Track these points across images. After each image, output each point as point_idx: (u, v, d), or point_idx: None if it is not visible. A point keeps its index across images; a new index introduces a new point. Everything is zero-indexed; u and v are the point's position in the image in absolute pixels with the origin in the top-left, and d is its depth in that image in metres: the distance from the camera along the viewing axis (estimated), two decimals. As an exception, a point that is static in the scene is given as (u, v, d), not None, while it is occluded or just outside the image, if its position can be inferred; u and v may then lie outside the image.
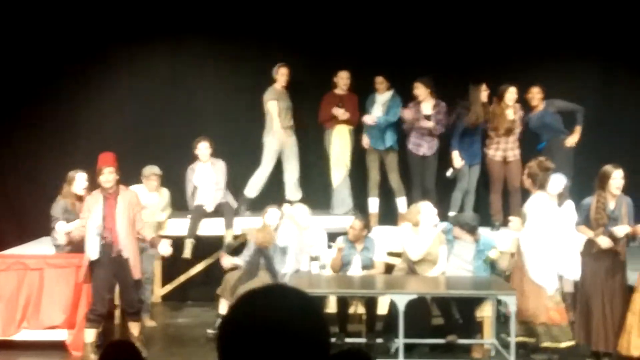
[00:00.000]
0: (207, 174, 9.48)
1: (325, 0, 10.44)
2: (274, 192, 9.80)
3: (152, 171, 8.98)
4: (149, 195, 8.93)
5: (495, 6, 10.22)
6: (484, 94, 9.32)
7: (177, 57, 10.69)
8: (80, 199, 8.42)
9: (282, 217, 8.53)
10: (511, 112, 9.38)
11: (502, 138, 9.39)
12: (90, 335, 7.66)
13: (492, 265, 8.06)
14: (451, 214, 9.18)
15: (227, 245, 9.17)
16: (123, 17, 10.44)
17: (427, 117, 9.48)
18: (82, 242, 8.31)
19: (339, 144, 9.74)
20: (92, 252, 7.56)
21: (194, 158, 9.54)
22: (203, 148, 9.45)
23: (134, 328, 7.91)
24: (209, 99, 10.59)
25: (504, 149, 9.43)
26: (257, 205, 9.42)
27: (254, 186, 9.83)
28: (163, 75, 10.67)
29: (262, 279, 8.08)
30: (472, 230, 8.02)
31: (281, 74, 9.83)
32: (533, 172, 7.68)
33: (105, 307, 7.69)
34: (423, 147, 9.57)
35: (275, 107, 9.75)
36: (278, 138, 9.74)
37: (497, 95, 9.40)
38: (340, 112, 9.64)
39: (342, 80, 9.81)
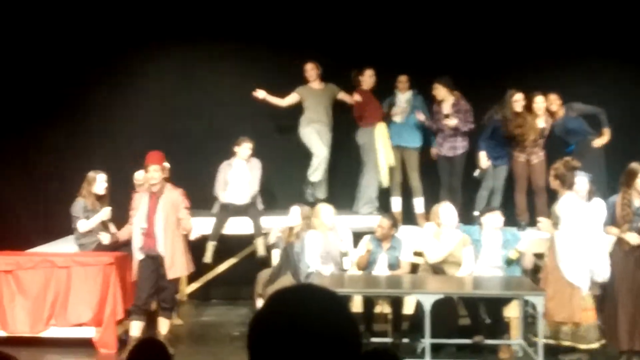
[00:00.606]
0: (242, 172, 9.47)
1: (340, 1, 10.41)
2: (295, 190, 9.78)
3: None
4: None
5: (518, 8, 10.13)
6: (516, 104, 9.24)
7: (193, 59, 10.71)
8: (100, 198, 8.54)
9: (306, 216, 8.50)
10: (541, 120, 9.31)
11: (530, 143, 9.34)
12: (136, 328, 7.81)
13: (509, 263, 7.99)
14: (476, 213, 9.13)
15: (259, 257, 9.14)
16: (141, 21, 10.51)
17: (447, 116, 9.45)
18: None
19: (383, 141, 9.68)
20: (136, 250, 7.77)
21: (230, 155, 9.51)
22: (247, 148, 9.42)
23: (163, 325, 7.96)
24: (224, 100, 10.60)
25: (528, 153, 9.37)
26: (281, 204, 9.40)
27: (314, 170, 9.78)
28: (180, 76, 10.71)
29: (288, 280, 8.09)
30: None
31: (306, 71, 9.90)
32: (560, 173, 7.61)
33: (145, 302, 7.84)
34: (444, 147, 9.54)
35: (291, 97, 9.86)
36: (313, 128, 9.75)
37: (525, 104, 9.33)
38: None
39: (370, 77, 9.76)
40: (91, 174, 8.60)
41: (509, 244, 7.98)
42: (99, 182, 8.57)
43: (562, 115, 9.39)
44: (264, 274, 8.38)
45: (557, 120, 9.42)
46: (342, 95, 10.00)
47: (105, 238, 8.47)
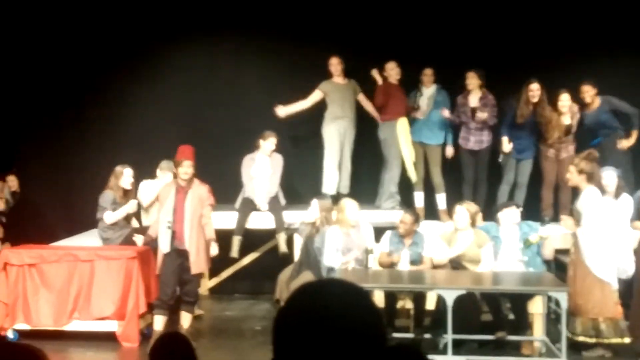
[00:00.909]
0: (264, 167, 9.47)
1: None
2: (313, 184, 9.77)
3: (169, 165, 9.01)
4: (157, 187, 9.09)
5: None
6: (531, 93, 9.19)
7: (218, 53, 10.74)
8: (126, 193, 8.60)
9: (325, 210, 8.46)
10: (567, 117, 9.22)
11: (556, 139, 9.26)
12: (160, 323, 7.93)
13: (527, 245, 7.94)
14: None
15: (282, 254, 9.13)
16: (167, 14, 10.55)
17: (474, 109, 9.40)
18: (131, 235, 8.51)
19: (405, 136, 9.64)
20: (164, 245, 7.83)
21: (253, 148, 9.51)
22: (271, 143, 9.41)
23: (186, 319, 8.00)
24: (247, 92, 10.60)
25: (557, 148, 9.29)
26: (304, 198, 9.38)
27: (329, 181, 9.76)
28: (204, 70, 10.74)
29: (309, 276, 8.07)
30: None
31: (331, 65, 9.85)
32: (584, 168, 7.52)
33: (170, 297, 7.94)
34: (470, 141, 9.50)
35: (314, 96, 9.79)
36: (336, 127, 9.71)
37: (551, 102, 9.24)
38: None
39: (394, 70, 9.71)
40: (118, 167, 8.67)
41: (527, 236, 7.94)
42: (126, 176, 8.65)
43: (597, 106, 9.25)
44: (283, 276, 8.34)
45: (590, 111, 9.28)
46: (362, 98, 9.96)
47: (139, 240, 8.52)
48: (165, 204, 7.89)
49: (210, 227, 8.17)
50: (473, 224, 8.10)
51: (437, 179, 9.77)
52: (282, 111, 9.76)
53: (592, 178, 7.50)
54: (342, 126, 9.75)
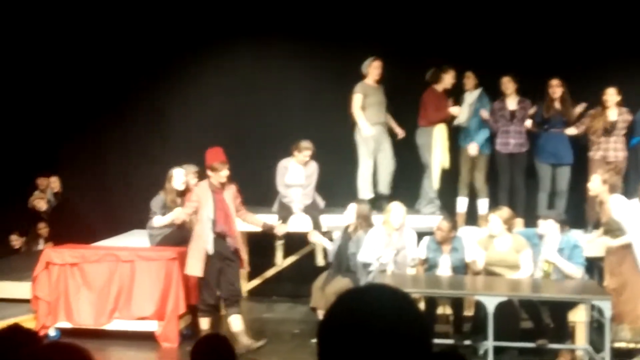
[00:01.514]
0: (298, 175, 9.46)
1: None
2: (347, 188, 9.75)
3: (191, 170, 9.08)
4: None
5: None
6: (551, 90, 9.19)
7: (262, 56, 10.77)
8: (180, 194, 8.67)
9: (361, 215, 8.42)
10: (614, 112, 9.07)
11: (602, 138, 9.10)
12: (205, 324, 7.92)
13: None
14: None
15: (318, 262, 9.10)
16: (210, 17, 10.62)
17: (512, 113, 9.34)
18: (174, 234, 8.55)
19: (441, 143, 9.56)
20: (209, 247, 7.78)
21: (287, 154, 9.51)
22: (304, 156, 9.34)
23: (238, 321, 8.01)
24: (293, 97, 10.63)
25: (604, 149, 9.12)
26: (341, 202, 9.36)
27: (363, 187, 9.74)
28: (248, 74, 10.78)
29: (345, 281, 8.05)
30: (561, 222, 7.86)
31: (374, 67, 9.70)
32: (608, 179, 7.51)
33: (214, 298, 7.95)
34: (510, 144, 9.41)
35: (359, 100, 9.65)
36: (374, 132, 9.65)
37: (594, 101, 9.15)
38: (457, 111, 9.51)
39: (451, 79, 9.63)
40: (170, 170, 8.73)
41: (563, 252, 7.76)
42: (176, 177, 8.70)
43: None
44: (317, 283, 8.31)
45: None
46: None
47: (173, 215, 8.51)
48: (206, 206, 7.83)
49: (256, 217, 8.33)
50: (509, 229, 7.99)
51: (479, 184, 9.68)
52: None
53: (614, 190, 7.44)
54: (378, 131, 9.69)
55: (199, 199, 7.84)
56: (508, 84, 9.40)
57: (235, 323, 7.97)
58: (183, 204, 8.42)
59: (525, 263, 7.83)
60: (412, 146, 9.82)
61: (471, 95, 9.65)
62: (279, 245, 9.24)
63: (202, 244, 7.78)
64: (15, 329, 2.91)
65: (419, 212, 9.57)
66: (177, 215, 8.41)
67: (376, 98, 9.73)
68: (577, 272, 7.60)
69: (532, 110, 9.34)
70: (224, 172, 7.82)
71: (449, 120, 9.67)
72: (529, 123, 9.38)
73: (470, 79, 9.67)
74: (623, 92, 9.10)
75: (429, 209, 9.56)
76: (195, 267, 7.83)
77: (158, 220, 8.60)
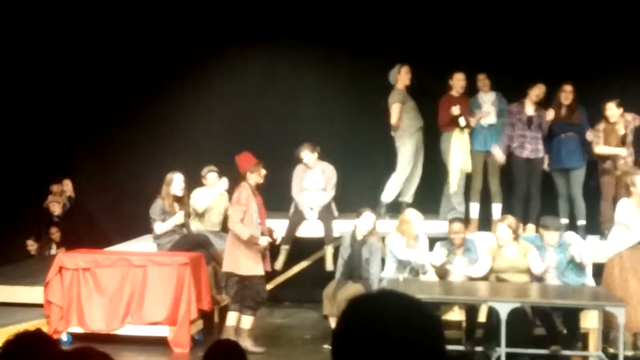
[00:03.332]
0: (316, 178, 9.48)
1: (415, 3, 10.34)
2: (369, 194, 9.73)
3: (208, 169, 9.29)
4: (211, 194, 9.23)
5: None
6: (563, 94, 9.18)
7: (272, 61, 10.80)
8: (178, 199, 8.69)
9: (374, 223, 8.42)
10: (621, 127, 9.04)
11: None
12: (248, 322, 8.02)
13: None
14: (563, 221, 8.96)
15: (328, 270, 9.11)
16: (220, 22, 10.63)
17: (530, 118, 9.31)
18: (182, 241, 8.59)
19: (459, 148, 9.50)
20: (263, 240, 7.94)
21: (298, 160, 9.52)
22: (306, 157, 9.41)
23: (247, 322, 8.05)
24: (303, 102, 10.63)
25: (614, 158, 9.09)
26: (354, 208, 9.34)
27: (391, 191, 9.74)
28: (258, 78, 10.81)
29: (357, 287, 8.04)
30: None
31: (404, 73, 9.69)
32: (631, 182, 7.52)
33: (265, 293, 8.18)
34: (527, 149, 9.37)
35: (397, 109, 9.63)
36: (415, 140, 9.67)
37: (601, 113, 9.10)
38: (457, 110, 9.44)
39: (459, 82, 9.61)
40: (169, 175, 8.76)
41: (562, 247, 7.79)
42: (176, 182, 8.72)
43: None
44: (328, 291, 8.29)
45: None
46: None
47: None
48: (251, 208, 7.96)
49: None
50: (515, 237, 7.98)
51: (494, 189, 9.65)
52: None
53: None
54: (418, 138, 9.71)
55: (247, 202, 7.95)
56: (541, 93, 9.35)
57: (246, 322, 8.03)
58: (181, 209, 8.68)
59: (534, 261, 7.81)
60: (437, 152, 9.82)
61: (487, 97, 9.63)
62: (283, 250, 9.22)
63: (254, 244, 7.91)
64: (33, 334, 2.93)
65: (444, 219, 9.44)
66: (179, 219, 8.49)
67: (412, 103, 9.74)
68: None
69: (549, 117, 9.27)
70: (262, 172, 8.08)
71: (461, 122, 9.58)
72: (550, 115, 9.29)
73: (482, 81, 9.65)
74: (630, 98, 9.07)
75: (450, 216, 9.44)
76: (257, 266, 7.97)
77: (159, 227, 8.61)
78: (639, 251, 7.81)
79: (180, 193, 8.79)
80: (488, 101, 9.62)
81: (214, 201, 9.31)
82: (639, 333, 7.31)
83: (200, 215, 9.33)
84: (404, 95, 9.69)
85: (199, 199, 9.28)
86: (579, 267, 7.87)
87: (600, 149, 9.06)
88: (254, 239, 7.88)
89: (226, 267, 8.05)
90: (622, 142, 9.07)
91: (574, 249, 7.74)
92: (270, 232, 8.33)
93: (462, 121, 9.38)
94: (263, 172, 8.07)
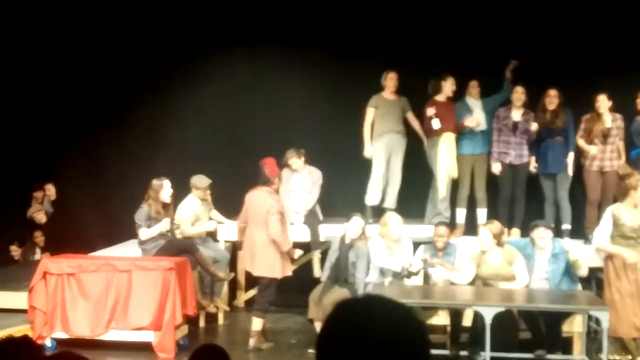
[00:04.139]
0: (303, 181, 9.52)
1: (402, 6, 10.36)
2: (355, 198, 9.74)
3: (206, 183, 9.12)
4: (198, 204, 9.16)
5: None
6: (548, 99, 9.22)
7: (258, 65, 10.79)
8: (165, 205, 8.65)
9: (362, 226, 8.44)
10: (608, 119, 9.09)
11: (598, 146, 9.11)
12: (258, 324, 8.19)
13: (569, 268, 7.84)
14: (566, 226, 9.07)
15: (315, 276, 9.11)
16: (205, 26, 10.62)
17: (515, 124, 9.33)
18: (167, 247, 8.58)
19: (447, 152, 9.47)
20: (297, 252, 8.28)
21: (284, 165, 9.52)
22: (293, 163, 9.45)
23: (258, 324, 8.23)
24: (289, 106, 10.64)
25: (600, 159, 9.14)
26: (340, 212, 9.35)
27: (372, 193, 9.79)
28: (244, 82, 10.80)
29: (343, 291, 8.05)
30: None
31: (388, 79, 9.78)
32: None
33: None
34: (510, 155, 9.40)
35: (370, 115, 9.73)
36: (384, 142, 9.70)
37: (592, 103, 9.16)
38: (431, 112, 9.44)
39: (451, 86, 9.61)
40: (156, 181, 8.69)
41: (557, 257, 7.80)
42: (166, 188, 8.69)
43: None
44: (314, 295, 8.29)
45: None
46: (410, 116, 9.94)
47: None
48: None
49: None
50: (499, 243, 7.99)
51: (480, 193, 9.67)
52: (367, 150, 9.78)
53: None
54: (390, 140, 9.72)
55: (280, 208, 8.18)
56: (522, 96, 9.39)
57: (256, 323, 8.23)
58: (167, 215, 8.66)
59: (520, 273, 7.83)
60: (418, 157, 9.85)
61: (478, 102, 9.66)
62: (315, 256, 9.26)
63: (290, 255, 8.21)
64: (19, 340, 2.92)
65: (429, 223, 9.45)
66: (165, 226, 8.47)
67: (387, 109, 9.77)
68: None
69: (534, 128, 9.28)
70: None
71: (457, 129, 9.59)
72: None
73: (474, 88, 9.69)
74: (615, 101, 9.13)
75: (436, 220, 9.46)
76: (288, 268, 8.28)
77: (144, 233, 8.57)
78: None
79: (168, 200, 8.76)
80: (478, 106, 9.66)
81: (200, 208, 9.21)
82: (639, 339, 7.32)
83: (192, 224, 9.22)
84: (381, 101, 9.77)
85: (187, 208, 9.19)
86: (572, 278, 7.90)
87: (579, 141, 9.13)
88: (292, 251, 8.21)
89: (260, 271, 8.25)
90: (605, 136, 9.09)
91: (573, 255, 7.76)
92: None
93: (435, 123, 9.40)
94: (278, 179, 8.40)
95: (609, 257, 7.53)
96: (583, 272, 7.99)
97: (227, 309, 9.52)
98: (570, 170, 9.25)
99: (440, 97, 9.65)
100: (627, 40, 9.81)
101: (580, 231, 9.13)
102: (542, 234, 7.85)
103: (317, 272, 9.08)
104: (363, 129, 9.78)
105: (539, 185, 9.47)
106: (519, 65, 9.67)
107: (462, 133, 9.58)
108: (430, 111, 9.43)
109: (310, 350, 8.08)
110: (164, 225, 8.61)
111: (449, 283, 8.03)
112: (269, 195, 8.10)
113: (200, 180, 9.07)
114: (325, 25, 10.42)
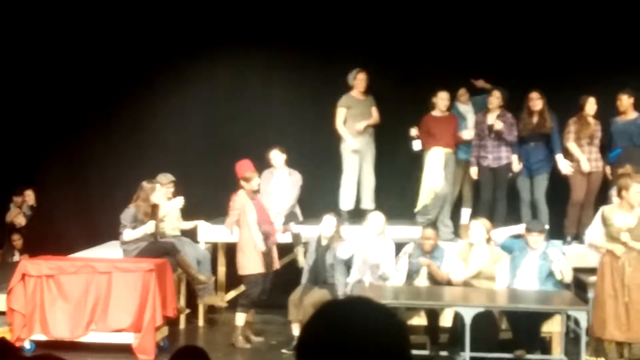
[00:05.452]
0: (283, 182, 9.52)
1: (386, 8, 10.38)
2: (331, 200, 9.75)
3: (169, 179, 9.22)
4: (167, 202, 9.13)
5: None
6: (531, 102, 9.23)
7: (242, 66, 10.76)
8: (153, 207, 8.62)
9: (337, 227, 8.46)
10: (597, 123, 9.17)
11: (584, 148, 9.17)
12: (242, 319, 8.37)
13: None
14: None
15: (301, 267, 9.11)
16: (188, 26, 10.59)
17: (490, 127, 9.35)
18: (149, 248, 8.54)
19: (432, 167, 9.42)
20: (260, 242, 8.28)
21: (267, 165, 9.52)
22: (275, 156, 9.47)
23: (250, 317, 8.46)
24: (273, 107, 10.64)
25: (586, 159, 9.17)
26: (319, 214, 9.35)
27: (345, 198, 9.80)
28: (228, 84, 10.77)
29: (322, 292, 8.06)
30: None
31: (358, 80, 9.79)
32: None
33: (265, 293, 8.47)
34: (488, 159, 9.44)
35: (341, 114, 9.74)
36: (357, 143, 9.69)
37: (579, 106, 9.19)
38: (414, 132, 9.46)
39: (443, 101, 9.56)
40: (147, 184, 8.65)
41: (547, 255, 7.84)
42: (158, 192, 8.67)
43: (631, 118, 9.12)
44: (294, 297, 8.28)
45: (622, 118, 9.16)
46: (374, 111, 9.93)
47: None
48: (249, 212, 8.30)
49: None
50: (488, 240, 8.04)
51: (466, 194, 9.82)
52: (351, 142, 9.72)
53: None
54: (361, 143, 9.73)
55: (241, 206, 8.28)
56: (493, 99, 9.42)
57: (239, 318, 8.37)
58: (154, 217, 8.63)
59: (501, 274, 7.87)
60: (398, 156, 9.88)
61: (467, 107, 9.76)
62: (298, 250, 9.26)
63: (252, 243, 8.24)
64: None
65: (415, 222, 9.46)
66: (150, 228, 8.45)
67: (359, 109, 9.77)
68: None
69: (498, 126, 9.28)
70: (256, 181, 8.44)
71: (455, 142, 9.60)
72: (498, 125, 9.29)
73: (463, 96, 9.79)
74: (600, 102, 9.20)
75: (419, 219, 9.46)
76: (254, 266, 8.30)
77: (129, 234, 8.52)
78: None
79: (158, 201, 8.75)
80: (470, 111, 9.75)
81: (170, 205, 9.19)
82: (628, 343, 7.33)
83: (160, 221, 9.20)
84: (352, 100, 9.79)
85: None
86: (558, 280, 7.94)
87: (571, 145, 9.16)
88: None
89: (241, 270, 8.44)
90: (591, 137, 9.16)
91: (555, 267, 7.78)
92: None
93: (416, 144, 9.44)
94: (255, 182, 8.42)
95: (602, 259, 7.52)
96: (567, 278, 7.99)
97: (225, 304, 9.54)
98: (565, 171, 9.24)
99: (435, 113, 9.63)
100: (605, 42, 9.87)
101: (559, 232, 9.15)
102: (535, 239, 7.86)
103: (302, 262, 9.09)
104: (338, 128, 9.77)
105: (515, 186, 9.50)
106: (485, 84, 9.78)
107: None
108: (413, 131, 9.47)
109: (284, 350, 8.12)
110: (148, 227, 8.55)
111: (434, 283, 8.03)
112: (237, 196, 8.34)
113: (164, 177, 9.15)
114: (307, 27, 10.41)
